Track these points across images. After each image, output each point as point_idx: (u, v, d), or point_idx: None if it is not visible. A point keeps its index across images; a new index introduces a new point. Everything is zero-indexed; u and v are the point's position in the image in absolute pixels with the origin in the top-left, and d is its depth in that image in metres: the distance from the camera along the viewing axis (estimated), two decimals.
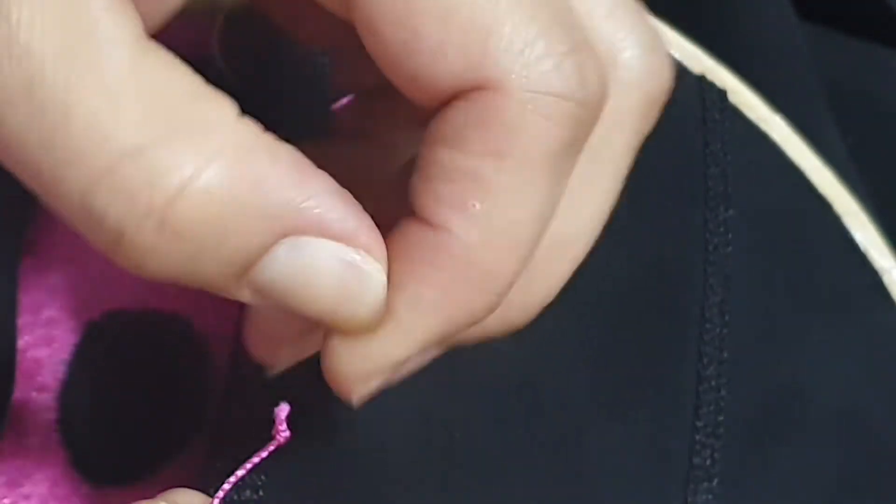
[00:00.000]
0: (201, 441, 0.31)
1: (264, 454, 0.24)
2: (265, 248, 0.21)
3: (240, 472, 0.23)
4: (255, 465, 0.24)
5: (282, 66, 0.32)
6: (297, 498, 0.29)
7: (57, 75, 0.20)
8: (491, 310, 0.23)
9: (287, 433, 0.24)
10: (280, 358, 0.25)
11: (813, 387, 0.32)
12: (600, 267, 0.33)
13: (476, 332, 0.24)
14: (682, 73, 0.37)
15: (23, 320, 0.31)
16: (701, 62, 0.37)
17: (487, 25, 0.22)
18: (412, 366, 0.24)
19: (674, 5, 0.39)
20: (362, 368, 0.23)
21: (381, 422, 0.27)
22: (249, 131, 0.21)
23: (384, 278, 0.22)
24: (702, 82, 0.36)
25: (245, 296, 0.22)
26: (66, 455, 0.31)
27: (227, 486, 0.23)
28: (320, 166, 0.22)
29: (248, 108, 0.33)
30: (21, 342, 0.31)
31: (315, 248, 0.21)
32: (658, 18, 0.37)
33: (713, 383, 0.32)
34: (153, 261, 0.21)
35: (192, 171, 0.20)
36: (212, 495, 0.24)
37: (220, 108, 0.21)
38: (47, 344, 0.32)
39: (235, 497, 0.27)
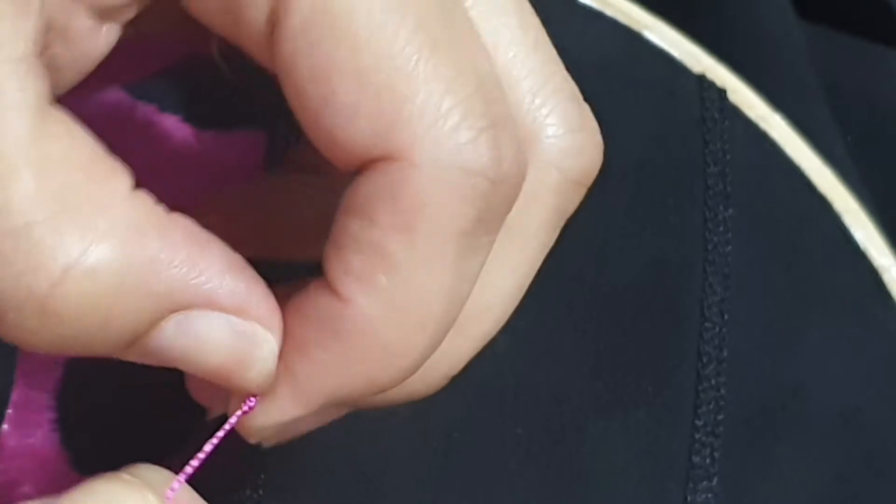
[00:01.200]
0: (201, 440, 0.31)
1: (215, 441, 0.24)
2: (153, 324, 0.21)
3: (193, 463, 0.23)
4: (207, 457, 0.24)
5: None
6: (296, 498, 0.29)
7: None
8: (394, 383, 0.23)
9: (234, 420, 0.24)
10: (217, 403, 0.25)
11: (812, 385, 0.32)
12: (600, 266, 0.33)
13: (377, 400, 0.24)
14: (681, 72, 0.37)
15: None
16: (700, 61, 0.37)
17: (402, 92, 0.21)
18: (311, 424, 0.24)
19: (673, 4, 0.39)
20: (261, 422, 0.23)
21: (380, 422, 0.27)
22: (141, 207, 0.21)
23: (275, 346, 0.22)
24: (701, 81, 0.36)
25: (136, 359, 0.22)
26: (65, 455, 0.31)
27: (176, 485, 0.23)
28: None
29: (248, 107, 0.33)
30: None
31: (204, 321, 0.22)
32: (657, 17, 0.37)
33: (713, 382, 0.32)
34: (35, 340, 0.21)
35: (77, 252, 0.20)
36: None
37: (113, 183, 0.21)
38: None
39: (235, 496, 0.27)
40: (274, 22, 0.22)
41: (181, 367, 0.22)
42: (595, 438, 0.31)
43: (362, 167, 0.22)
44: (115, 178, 0.21)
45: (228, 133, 0.33)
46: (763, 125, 0.36)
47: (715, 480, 0.31)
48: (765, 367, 0.33)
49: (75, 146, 0.21)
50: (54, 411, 0.31)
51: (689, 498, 0.30)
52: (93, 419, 0.31)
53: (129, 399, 0.32)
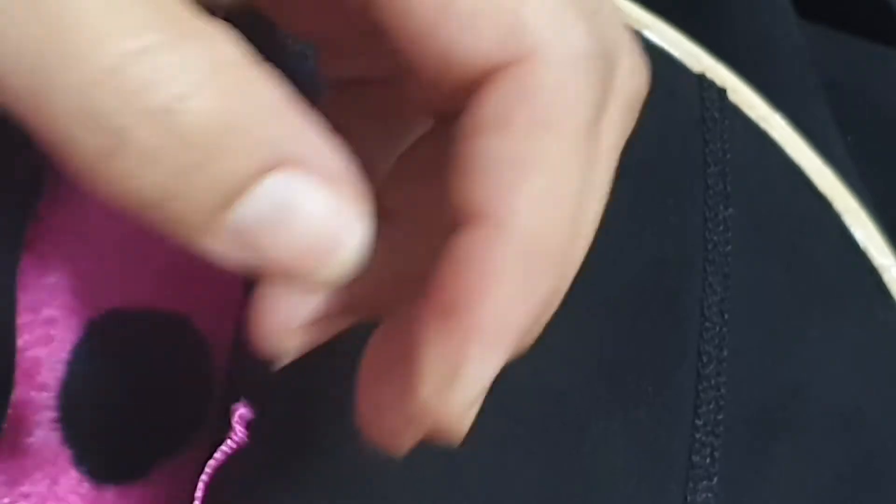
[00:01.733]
0: (201, 439, 0.31)
1: (219, 456, 0.23)
2: (252, 178, 0.20)
3: (203, 478, 0.23)
4: (215, 470, 0.23)
5: (283, 65, 0.32)
6: (297, 497, 0.29)
7: None
8: (565, 290, 0.22)
9: (243, 435, 0.23)
10: (288, 348, 0.24)
11: (812, 385, 0.32)
12: (600, 265, 0.33)
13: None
14: (681, 71, 0.37)
15: (22, 319, 0.32)
16: (700, 61, 0.37)
17: None
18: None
19: (673, 4, 0.39)
20: (465, 397, 0.22)
21: None
22: (250, 56, 0.20)
23: (364, 240, 0.21)
24: (701, 81, 0.36)
25: (216, 241, 0.20)
26: (65, 454, 0.31)
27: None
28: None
29: None
30: (21, 341, 0.31)
31: (303, 185, 0.20)
32: (657, 17, 0.37)
33: (713, 382, 0.32)
34: (146, 170, 0.19)
35: (197, 77, 0.19)
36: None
37: (221, 28, 0.20)
38: (47, 343, 0.32)
39: None
40: None
41: (262, 247, 0.20)
42: (595, 438, 0.31)
43: (478, 81, 0.21)
44: (221, 25, 0.20)
45: None
46: (763, 125, 0.36)
47: (715, 480, 0.31)
48: (765, 366, 0.33)
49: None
50: (54, 410, 0.31)
51: (688, 498, 0.30)
52: (93, 418, 0.31)
53: (128, 398, 0.32)
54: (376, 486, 0.29)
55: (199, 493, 0.23)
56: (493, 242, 0.21)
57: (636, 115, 0.25)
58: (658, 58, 0.37)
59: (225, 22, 0.21)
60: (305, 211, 0.20)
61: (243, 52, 0.20)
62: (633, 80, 0.24)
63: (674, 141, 0.35)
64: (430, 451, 0.30)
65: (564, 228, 0.22)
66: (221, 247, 0.20)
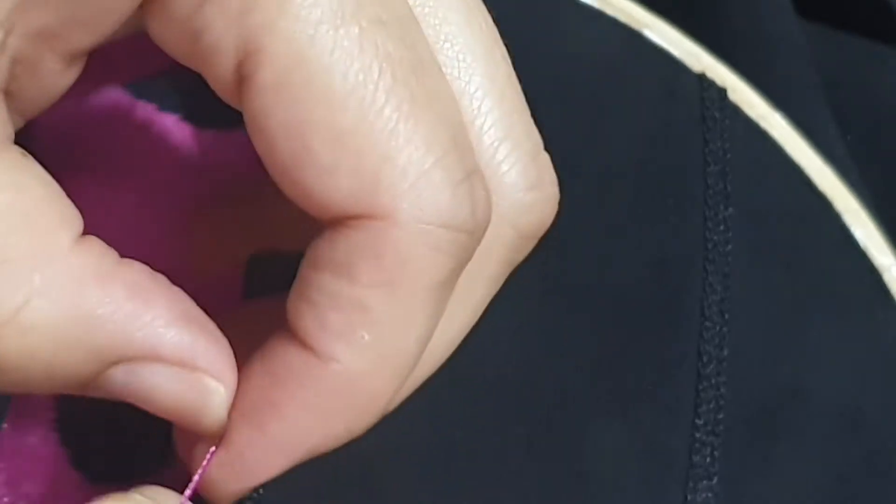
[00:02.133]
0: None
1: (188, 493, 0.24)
2: (98, 374, 0.22)
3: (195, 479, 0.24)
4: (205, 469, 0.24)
5: None
6: (297, 496, 0.29)
7: None
8: (369, 427, 0.23)
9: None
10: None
11: (813, 385, 0.32)
12: (600, 265, 0.33)
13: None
14: (681, 71, 0.37)
15: None
16: (700, 60, 0.37)
17: (383, 152, 0.21)
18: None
19: (673, 3, 0.39)
20: (235, 487, 0.24)
21: (382, 421, 0.27)
22: (83, 260, 0.21)
23: (225, 397, 0.22)
24: (701, 80, 0.36)
25: (96, 395, 0.22)
26: (65, 454, 0.31)
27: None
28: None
29: None
30: None
31: (149, 371, 0.22)
32: (657, 16, 0.37)
33: (713, 381, 0.32)
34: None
35: (12, 308, 0.20)
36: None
37: (56, 235, 0.21)
38: None
39: None
40: (244, 73, 0.21)
41: (138, 405, 0.22)
42: (595, 438, 0.31)
43: (336, 222, 0.22)
44: (60, 228, 0.21)
45: (228, 132, 0.33)
46: (763, 124, 0.36)
47: (715, 480, 0.31)
48: (765, 366, 0.33)
49: (20, 197, 0.21)
50: (54, 410, 0.31)
51: (689, 497, 0.30)
52: (93, 419, 0.31)
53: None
54: (377, 486, 0.29)
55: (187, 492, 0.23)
56: (311, 377, 0.22)
57: (532, 245, 0.25)
58: (658, 57, 0.37)
59: (71, 214, 0.21)
60: (158, 389, 0.22)
61: (78, 257, 0.21)
62: (528, 216, 0.24)
63: (674, 140, 0.35)
64: (432, 450, 0.30)
65: (385, 378, 0.23)
66: (110, 398, 0.22)
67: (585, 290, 0.33)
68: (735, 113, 0.36)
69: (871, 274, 0.34)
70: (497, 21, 0.36)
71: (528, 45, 0.36)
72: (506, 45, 0.34)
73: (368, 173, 0.21)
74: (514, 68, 0.36)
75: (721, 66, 0.37)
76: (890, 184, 0.40)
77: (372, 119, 0.21)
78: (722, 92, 0.36)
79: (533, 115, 0.35)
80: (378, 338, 0.22)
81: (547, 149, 0.35)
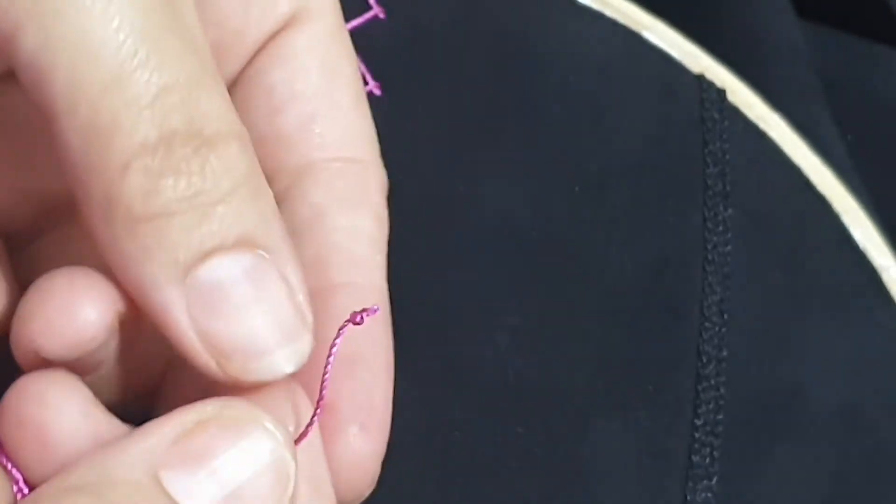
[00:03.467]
0: None
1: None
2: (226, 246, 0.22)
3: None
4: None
5: None
6: None
7: None
8: None
9: None
10: None
11: (811, 385, 0.32)
12: (600, 266, 0.33)
13: None
14: (681, 72, 0.37)
15: None
16: (699, 61, 0.37)
17: None
18: None
19: (673, 4, 0.39)
20: None
21: None
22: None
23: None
24: (700, 81, 0.36)
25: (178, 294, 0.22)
26: None
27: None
28: None
29: None
30: None
31: (268, 268, 0.22)
32: (657, 17, 0.37)
33: (712, 382, 0.32)
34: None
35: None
36: None
37: None
38: None
39: None
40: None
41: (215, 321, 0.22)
42: (595, 438, 0.31)
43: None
44: None
45: None
46: (762, 125, 0.36)
47: (714, 480, 0.31)
48: (764, 366, 0.33)
49: None
50: None
51: (688, 497, 0.30)
52: None
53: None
54: (377, 486, 0.29)
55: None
56: None
57: None
58: (657, 58, 0.37)
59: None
60: (270, 293, 0.22)
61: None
62: None
63: (673, 141, 0.35)
64: (432, 450, 0.30)
65: None
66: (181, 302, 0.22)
67: (585, 290, 0.33)
68: (734, 114, 0.36)
69: (870, 274, 0.34)
70: (497, 23, 0.36)
71: (527, 47, 0.36)
72: (506, 45, 0.35)
73: None
74: (514, 69, 0.36)
75: (720, 68, 0.37)
76: (889, 184, 0.40)
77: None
78: (721, 93, 0.36)
79: (533, 117, 0.35)
80: None
81: (547, 149, 0.35)
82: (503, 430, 0.31)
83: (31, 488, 0.22)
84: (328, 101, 0.27)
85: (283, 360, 0.22)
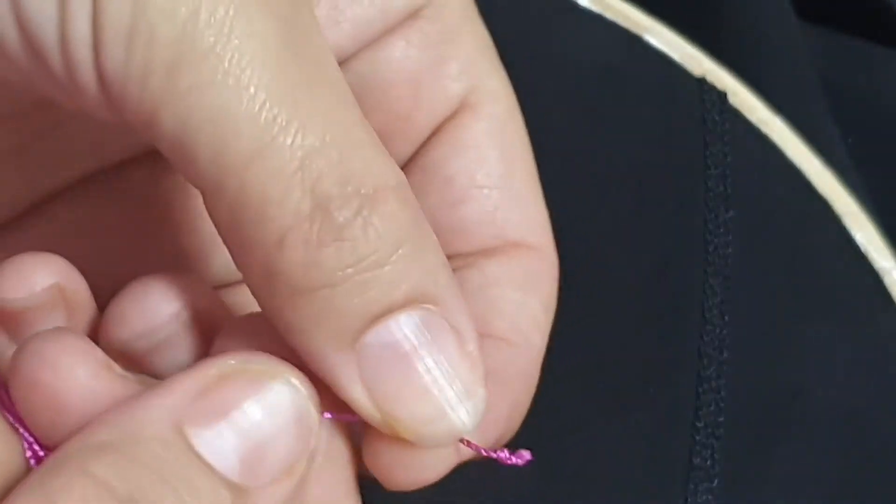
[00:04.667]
0: None
1: None
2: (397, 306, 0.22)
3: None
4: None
5: None
6: None
7: None
8: None
9: None
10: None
11: (812, 387, 0.32)
12: (601, 268, 0.33)
13: None
14: (682, 75, 0.37)
15: None
16: (701, 64, 0.37)
17: None
18: None
19: (673, 6, 0.39)
20: None
21: None
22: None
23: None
24: (702, 84, 0.36)
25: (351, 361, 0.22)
26: None
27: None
28: None
29: None
30: None
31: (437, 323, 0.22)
32: (658, 20, 0.37)
33: (713, 384, 0.32)
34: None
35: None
36: None
37: None
38: None
39: None
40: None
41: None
42: (595, 439, 0.31)
43: None
44: None
45: None
46: (763, 128, 0.36)
47: (715, 482, 0.31)
48: (765, 368, 0.33)
49: None
50: None
51: (689, 499, 0.30)
52: None
53: None
54: (377, 486, 0.29)
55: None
56: None
57: None
58: (658, 61, 0.37)
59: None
60: (443, 348, 0.22)
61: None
62: None
63: (674, 144, 0.36)
64: None
65: None
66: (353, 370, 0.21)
67: (586, 292, 0.33)
68: (735, 116, 0.36)
69: (871, 276, 0.34)
70: (498, 26, 0.37)
71: (528, 50, 0.36)
72: (507, 49, 0.35)
73: None
74: (516, 72, 0.36)
75: (721, 70, 0.37)
76: (890, 187, 0.40)
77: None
78: (722, 95, 0.36)
79: (535, 119, 0.35)
80: None
81: (549, 152, 0.35)
82: None
83: (47, 450, 0.22)
84: (510, 192, 0.27)
85: (463, 417, 0.22)
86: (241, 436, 0.21)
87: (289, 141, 0.20)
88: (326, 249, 0.21)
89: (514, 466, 0.24)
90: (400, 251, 0.21)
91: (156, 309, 0.23)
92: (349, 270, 0.21)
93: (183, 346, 0.23)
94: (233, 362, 0.21)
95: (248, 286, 0.22)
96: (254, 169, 0.20)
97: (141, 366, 0.24)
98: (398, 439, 0.22)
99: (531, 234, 0.27)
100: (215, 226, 0.21)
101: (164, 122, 0.20)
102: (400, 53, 0.26)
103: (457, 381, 0.22)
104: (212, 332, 0.23)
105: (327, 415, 0.22)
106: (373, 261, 0.21)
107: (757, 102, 0.36)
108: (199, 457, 0.20)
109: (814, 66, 0.41)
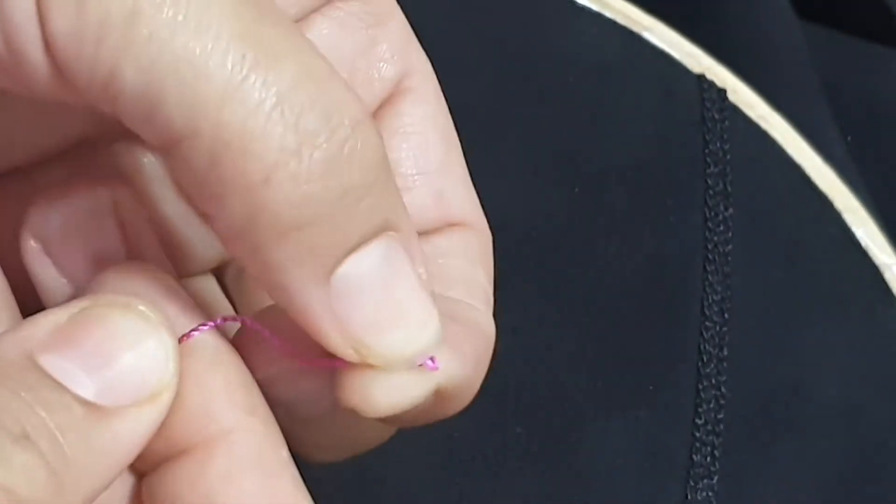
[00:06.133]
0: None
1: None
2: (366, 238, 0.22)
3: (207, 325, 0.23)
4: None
5: None
6: None
7: None
8: None
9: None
10: None
11: (812, 383, 0.32)
12: (601, 265, 0.33)
13: None
14: (681, 72, 0.37)
15: None
16: (700, 61, 0.37)
17: None
18: None
19: (673, 5, 0.39)
20: None
21: None
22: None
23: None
24: (701, 81, 0.36)
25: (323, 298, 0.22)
26: None
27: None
28: None
29: None
30: None
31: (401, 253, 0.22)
32: (657, 18, 0.37)
33: (713, 381, 0.32)
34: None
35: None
36: None
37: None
38: None
39: None
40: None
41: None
42: (595, 437, 0.31)
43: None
44: None
45: None
46: (763, 125, 0.36)
47: (715, 479, 0.31)
48: (765, 365, 0.33)
49: None
50: None
51: (689, 496, 0.30)
52: None
53: None
54: (377, 487, 0.29)
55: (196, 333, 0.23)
56: None
57: None
58: (658, 59, 0.37)
59: None
60: (402, 276, 0.22)
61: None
62: None
63: (674, 141, 0.35)
64: (431, 451, 0.30)
65: None
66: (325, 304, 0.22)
67: (585, 290, 0.33)
68: (735, 114, 0.36)
69: (872, 273, 0.34)
70: (498, 24, 0.37)
71: (528, 48, 0.36)
72: (507, 47, 0.35)
73: None
74: (515, 70, 0.36)
75: (721, 68, 0.37)
76: (889, 184, 0.40)
77: None
78: (722, 93, 0.36)
79: (534, 117, 0.35)
80: None
81: (549, 150, 0.35)
82: (503, 429, 0.31)
83: None
84: (451, 175, 0.27)
85: (427, 337, 0.22)
86: (95, 361, 0.21)
87: (261, 78, 0.20)
88: (315, 185, 0.20)
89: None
90: (377, 182, 0.21)
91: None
92: (336, 205, 0.21)
93: None
94: (84, 302, 0.22)
95: (222, 236, 0.22)
96: (230, 108, 0.20)
97: None
98: (369, 367, 0.22)
99: (470, 214, 0.27)
100: (185, 182, 0.21)
101: (125, 76, 0.20)
102: (328, 33, 0.26)
103: (416, 302, 0.22)
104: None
105: (302, 364, 0.23)
106: (356, 193, 0.21)
107: (757, 99, 0.36)
108: (49, 376, 0.21)
109: (814, 66, 0.41)
